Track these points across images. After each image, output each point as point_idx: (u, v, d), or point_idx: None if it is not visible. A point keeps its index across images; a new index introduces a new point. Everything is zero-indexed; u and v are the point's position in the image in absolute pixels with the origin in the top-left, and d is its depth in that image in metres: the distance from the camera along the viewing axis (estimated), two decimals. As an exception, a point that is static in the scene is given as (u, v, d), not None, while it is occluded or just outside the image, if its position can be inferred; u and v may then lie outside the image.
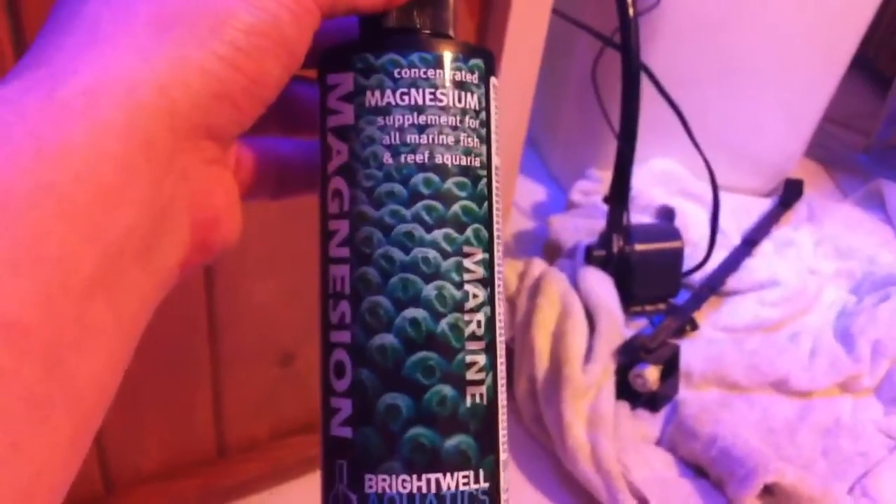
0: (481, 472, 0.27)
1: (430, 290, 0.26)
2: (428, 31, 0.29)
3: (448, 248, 0.27)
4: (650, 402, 0.97)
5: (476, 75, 0.28)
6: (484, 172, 0.28)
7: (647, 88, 1.00)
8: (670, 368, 0.97)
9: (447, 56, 0.27)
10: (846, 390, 1.06)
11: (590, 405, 0.92)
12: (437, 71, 0.27)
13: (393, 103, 0.27)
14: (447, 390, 0.26)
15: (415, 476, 0.26)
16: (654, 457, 0.94)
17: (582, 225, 1.17)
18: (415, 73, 0.27)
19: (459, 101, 0.27)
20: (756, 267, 1.21)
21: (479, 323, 0.27)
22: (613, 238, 1.07)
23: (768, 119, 1.35)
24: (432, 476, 0.26)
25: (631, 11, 0.96)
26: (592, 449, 0.89)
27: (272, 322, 0.79)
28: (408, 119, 0.27)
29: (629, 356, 0.96)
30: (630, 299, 1.07)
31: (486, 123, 0.28)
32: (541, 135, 1.44)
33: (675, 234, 1.12)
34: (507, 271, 1.05)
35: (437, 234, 0.27)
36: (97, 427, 0.23)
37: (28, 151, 0.21)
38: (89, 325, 0.21)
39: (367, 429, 0.26)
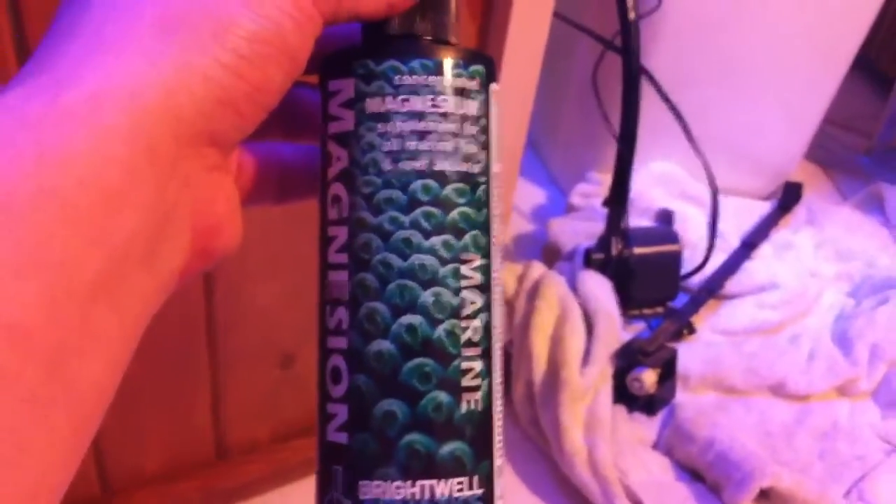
0: (476, 479, 0.27)
1: (427, 297, 0.26)
2: (429, 38, 0.29)
3: (446, 255, 0.27)
4: (647, 405, 0.97)
5: (476, 82, 0.28)
6: (483, 179, 0.28)
7: (647, 91, 1.00)
8: (668, 372, 0.97)
9: (448, 62, 0.27)
10: (843, 394, 1.06)
11: (587, 408, 0.92)
12: (438, 77, 0.27)
13: (393, 110, 0.27)
14: (443, 397, 0.26)
15: (409, 482, 0.26)
16: (650, 460, 0.94)
17: (581, 228, 1.17)
18: (415, 79, 0.27)
19: (460, 107, 0.27)
20: (755, 270, 1.21)
21: (475, 329, 0.27)
22: (612, 241, 1.07)
23: (768, 121, 1.35)
24: (427, 482, 0.26)
25: (632, 15, 0.96)
26: (589, 452, 0.90)
27: (273, 324, 0.79)
28: (408, 126, 0.27)
29: (627, 360, 0.96)
30: (628, 302, 1.07)
31: (486, 130, 0.28)
32: (541, 137, 1.44)
33: (674, 238, 1.12)
34: (506, 274, 1.05)
35: (436, 241, 0.27)
36: (95, 429, 0.23)
37: (31, 156, 0.21)
38: (92, 329, 0.22)
39: (363, 435, 0.26)
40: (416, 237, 0.27)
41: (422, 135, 0.27)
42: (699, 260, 1.13)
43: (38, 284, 0.20)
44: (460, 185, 0.27)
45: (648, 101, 1.01)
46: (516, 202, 1.33)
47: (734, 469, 0.88)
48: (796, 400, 1.03)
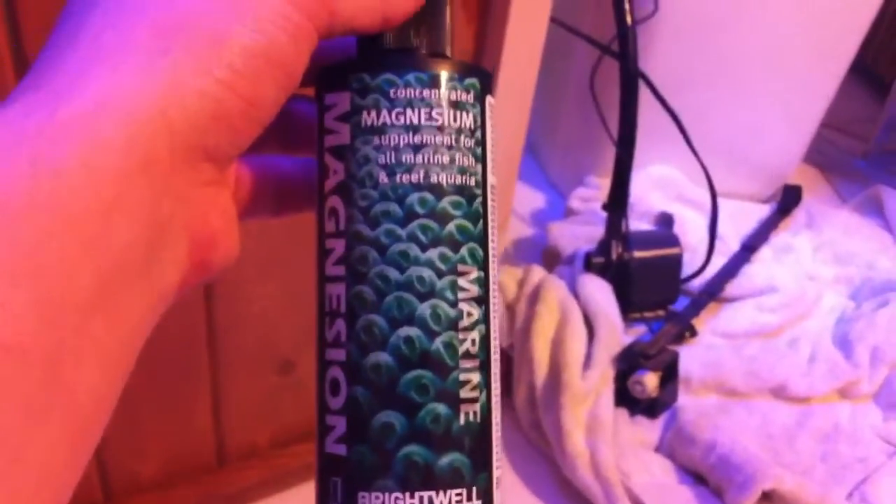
0: (475, 490, 0.27)
1: (424, 309, 0.27)
2: (424, 51, 0.29)
3: (443, 267, 0.27)
4: (649, 408, 0.97)
5: (472, 94, 0.28)
6: (479, 191, 0.28)
7: (645, 95, 1.00)
8: (669, 375, 0.97)
9: (443, 76, 0.27)
10: (845, 396, 1.06)
11: (589, 412, 0.93)
12: (433, 90, 0.27)
13: (388, 123, 0.27)
14: (441, 408, 0.27)
15: (408, 494, 0.26)
16: (653, 463, 0.94)
17: (581, 232, 1.17)
18: (410, 92, 0.27)
19: (455, 120, 0.27)
20: (755, 273, 1.21)
21: (473, 341, 0.27)
22: (612, 245, 1.07)
23: (767, 125, 1.35)
24: (426, 494, 0.26)
25: (629, 19, 0.96)
26: (591, 455, 0.90)
27: (272, 329, 0.79)
28: (403, 139, 0.27)
29: (628, 362, 0.96)
30: (629, 306, 1.07)
31: (482, 142, 0.28)
32: (539, 141, 1.44)
33: (674, 241, 1.12)
34: (507, 278, 1.05)
35: (432, 254, 0.27)
36: (97, 440, 0.23)
37: (26, 169, 0.21)
38: (87, 338, 0.22)
39: (362, 446, 0.27)
40: (413, 250, 0.27)
41: (417, 148, 0.27)
42: (699, 263, 1.13)
43: (31, 293, 0.20)
44: (456, 197, 0.27)
45: (646, 105, 1.01)
46: (515, 206, 1.33)
47: (736, 472, 0.88)
48: (797, 402, 1.03)
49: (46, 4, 0.49)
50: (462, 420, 0.27)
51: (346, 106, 0.28)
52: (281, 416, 0.87)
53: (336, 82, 0.28)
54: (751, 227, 1.32)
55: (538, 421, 0.96)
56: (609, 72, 1.03)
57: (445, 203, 0.27)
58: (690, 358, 1.03)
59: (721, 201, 1.09)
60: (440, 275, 0.27)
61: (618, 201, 1.05)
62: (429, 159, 0.27)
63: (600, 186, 1.25)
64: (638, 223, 1.21)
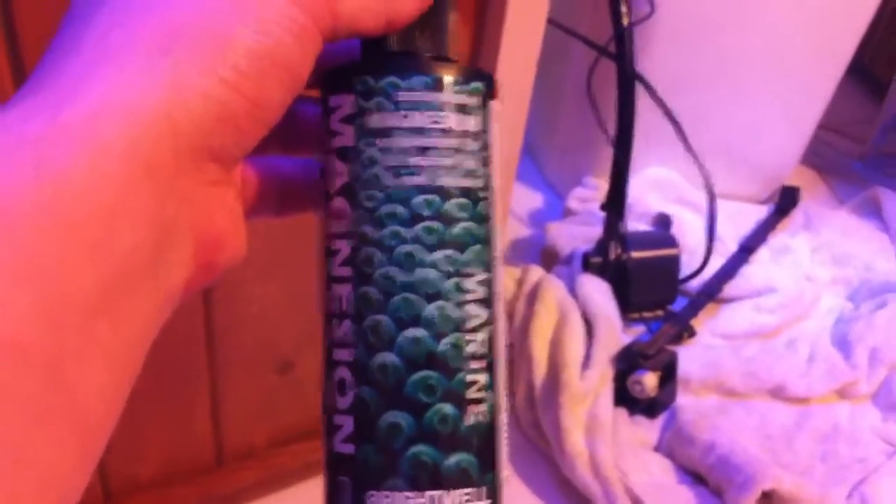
0: (483, 490, 0.27)
1: (431, 310, 0.27)
2: (429, 54, 0.29)
3: (449, 269, 0.27)
4: (648, 408, 0.97)
5: (476, 98, 0.28)
6: (484, 194, 0.28)
7: (642, 97, 1.01)
8: (668, 375, 0.97)
9: (447, 79, 0.28)
10: (844, 397, 1.06)
11: (588, 411, 0.93)
12: (437, 94, 0.27)
13: (394, 125, 0.27)
14: (448, 409, 0.27)
15: (416, 493, 0.26)
16: (652, 463, 0.94)
17: (579, 232, 1.17)
18: (415, 95, 0.27)
19: (460, 123, 0.28)
20: (753, 274, 1.21)
21: (479, 342, 0.27)
22: (610, 245, 1.07)
23: (764, 126, 1.35)
24: (434, 493, 0.26)
25: (625, 21, 0.96)
26: (590, 455, 0.90)
27: (271, 330, 0.79)
28: (409, 141, 0.27)
29: (627, 362, 0.97)
30: (627, 306, 1.07)
31: (487, 146, 0.28)
32: (537, 142, 1.44)
33: (672, 242, 1.12)
34: (505, 278, 1.05)
35: (438, 255, 0.27)
36: (105, 442, 0.23)
37: (29, 174, 0.21)
38: (92, 341, 0.22)
39: (369, 446, 0.27)
40: (419, 252, 0.27)
41: (423, 150, 0.27)
42: (697, 264, 1.13)
43: (34, 296, 0.20)
44: (462, 200, 0.27)
45: (644, 106, 1.01)
46: (513, 207, 1.33)
47: (736, 472, 0.88)
48: (796, 403, 1.03)
49: (44, 11, 0.50)
50: (469, 420, 0.27)
51: (350, 108, 0.28)
52: (279, 416, 0.87)
53: (340, 84, 0.28)
54: (749, 228, 1.33)
55: (537, 420, 0.96)
56: (606, 73, 1.03)
57: (451, 205, 0.27)
58: (689, 358, 1.03)
59: (719, 202, 1.10)
60: (446, 276, 0.27)
61: (616, 202, 1.05)
62: (434, 162, 0.27)
63: (598, 187, 1.26)
64: (636, 224, 1.21)
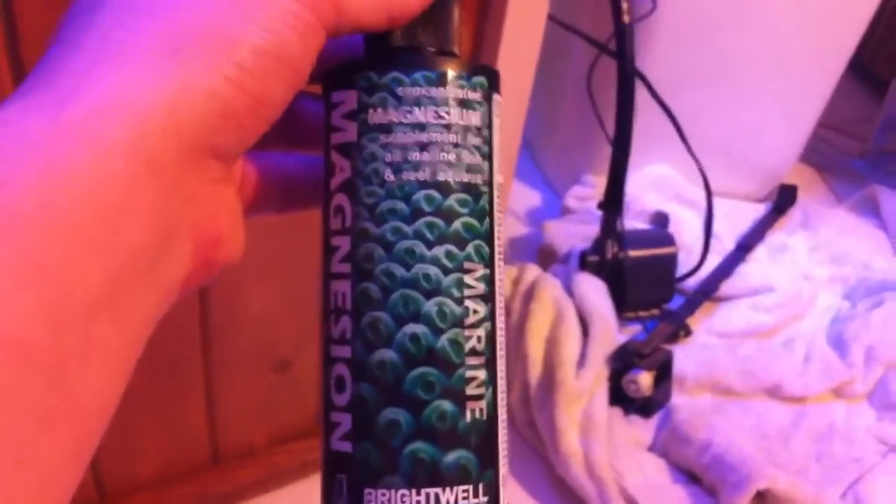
0: (481, 487, 0.27)
1: (430, 306, 0.27)
2: (432, 49, 0.29)
3: (449, 265, 0.27)
4: (643, 407, 0.97)
5: (479, 93, 0.28)
6: (486, 189, 0.28)
7: (641, 94, 1.01)
8: (664, 374, 0.97)
9: (450, 74, 0.27)
10: (839, 396, 1.06)
11: (583, 411, 0.93)
12: (440, 89, 0.27)
13: (395, 121, 0.27)
14: (447, 405, 0.27)
15: (414, 491, 0.26)
16: (647, 462, 0.94)
17: (576, 230, 1.17)
18: (417, 91, 0.27)
19: (462, 118, 0.27)
20: (750, 272, 1.21)
21: (479, 338, 0.27)
22: (608, 244, 1.07)
23: (763, 124, 1.35)
24: (432, 491, 0.26)
25: (626, 18, 0.96)
26: (585, 455, 0.90)
27: (268, 328, 0.79)
28: (410, 137, 0.27)
29: (622, 362, 0.96)
30: (624, 305, 1.07)
31: (489, 141, 0.28)
32: (536, 140, 1.44)
33: (669, 240, 1.12)
34: (503, 278, 1.05)
35: (439, 251, 0.27)
36: (98, 441, 0.23)
37: (33, 172, 0.21)
38: (94, 341, 0.22)
39: (367, 443, 0.27)
40: (419, 247, 0.27)
41: (424, 146, 0.27)
42: (694, 262, 1.13)
43: (38, 297, 0.20)
44: (463, 195, 0.27)
45: (643, 104, 1.01)
46: (511, 205, 1.33)
47: (730, 471, 0.88)
48: (792, 402, 1.03)
49: (45, 10, 0.49)
50: (468, 417, 0.27)
51: (353, 104, 0.28)
52: (276, 414, 0.87)
53: (343, 80, 0.28)
54: (746, 227, 1.33)
55: (532, 420, 0.96)
56: (606, 70, 1.03)
57: (452, 201, 0.27)
58: (685, 357, 1.03)
59: (716, 200, 1.10)
60: (446, 272, 0.27)
61: (613, 200, 1.05)
62: (436, 157, 0.27)
63: (596, 185, 1.26)
64: (633, 222, 1.21)
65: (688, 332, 1.11)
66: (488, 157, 0.28)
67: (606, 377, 0.96)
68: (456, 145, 0.27)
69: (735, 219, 1.33)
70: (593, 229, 1.10)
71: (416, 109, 0.27)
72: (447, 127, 0.27)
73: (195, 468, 0.84)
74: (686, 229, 1.23)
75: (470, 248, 0.27)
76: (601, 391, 0.94)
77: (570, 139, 1.35)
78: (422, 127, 0.27)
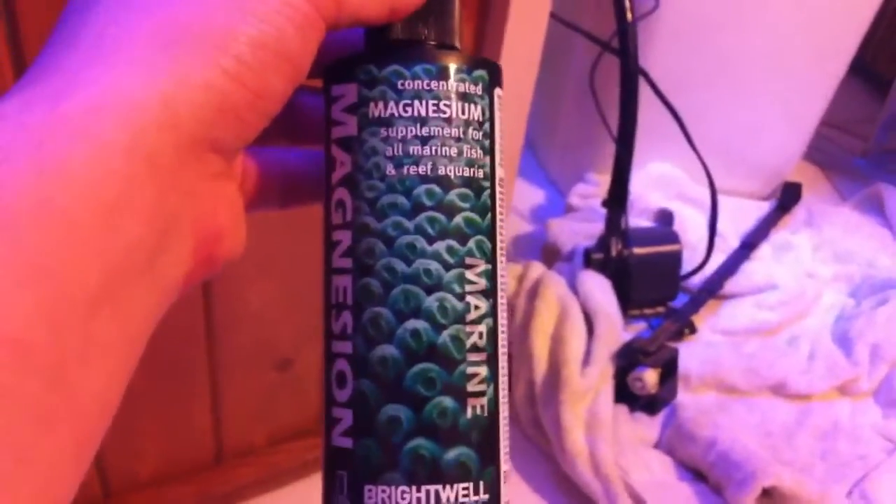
0: (481, 484, 0.27)
1: (431, 302, 0.26)
2: (432, 43, 0.29)
3: (450, 260, 0.27)
4: (649, 405, 0.97)
5: (480, 87, 0.28)
6: (487, 184, 0.28)
7: (645, 92, 1.00)
8: (669, 372, 0.97)
9: (451, 67, 0.27)
10: (844, 394, 1.06)
11: (588, 409, 0.92)
12: (441, 82, 0.27)
13: (396, 115, 0.27)
14: (448, 402, 0.26)
15: (414, 487, 0.26)
16: (652, 460, 0.94)
17: (580, 228, 1.17)
18: (418, 84, 0.27)
19: (463, 112, 0.27)
20: (754, 270, 1.21)
21: (480, 334, 0.27)
22: (612, 241, 1.07)
23: (767, 123, 1.35)
24: (432, 488, 0.26)
25: (629, 16, 0.96)
26: (591, 452, 0.90)
27: (270, 327, 0.79)
28: (411, 130, 0.27)
29: (628, 359, 0.96)
30: (628, 303, 1.07)
31: (490, 135, 0.28)
32: (539, 138, 1.44)
33: (674, 238, 1.12)
34: (506, 275, 1.05)
35: (440, 246, 0.27)
36: (99, 440, 0.23)
37: (30, 169, 0.21)
38: (94, 340, 0.21)
39: (368, 440, 0.26)
40: (420, 242, 0.26)
41: (425, 140, 0.27)
42: (699, 260, 1.13)
43: (38, 296, 0.20)
44: (464, 189, 0.27)
45: (646, 102, 1.01)
46: (515, 203, 1.33)
47: (736, 469, 0.88)
48: (797, 400, 1.03)
49: (45, 6, 0.49)
50: (469, 414, 0.27)
51: (353, 97, 0.27)
52: (278, 413, 0.87)
53: (343, 74, 0.28)
54: (750, 225, 1.33)
55: (537, 418, 0.96)
56: (609, 68, 1.03)
57: (453, 195, 0.27)
58: (690, 355, 1.03)
59: (721, 199, 1.09)
60: (447, 267, 0.27)
61: (617, 198, 1.05)
62: (436, 151, 0.27)
63: (600, 183, 1.25)
64: (638, 220, 1.21)
65: (692, 330, 1.11)
66: (490, 151, 0.28)
67: (612, 375, 0.96)
68: (457, 139, 0.27)
69: (739, 217, 1.33)
70: (597, 227, 1.10)
71: (417, 103, 0.27)
72: (448, 121, 0.27)
73: (197, 467, 0.84)
74: (690, 227, 1.22)
75: (471, 244, 0.27)
76: (606, 389, 0.94)
77: (573, 137, 1.35)
78: (422, 121, 0.27)
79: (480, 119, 0.28)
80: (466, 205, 0.27)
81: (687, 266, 1.13)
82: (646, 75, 1.01)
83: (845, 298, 1.22)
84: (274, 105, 0.25)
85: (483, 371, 0.27)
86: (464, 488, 0.26)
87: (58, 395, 0.20)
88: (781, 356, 1.07)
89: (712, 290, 1.16)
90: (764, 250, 1.28)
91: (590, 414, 0.92)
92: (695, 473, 0.94)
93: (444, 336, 0.26)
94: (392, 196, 0.27)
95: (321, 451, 0.28)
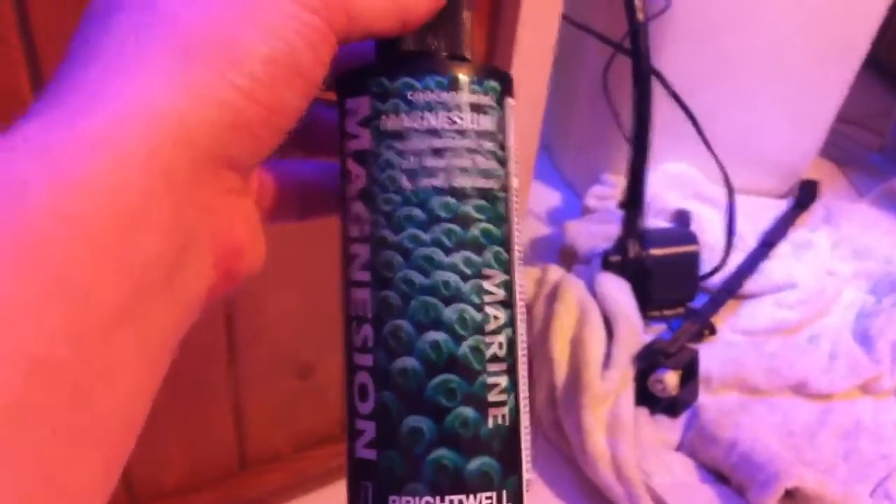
0: (504, 494, 0.27)
1: (450, 313, 0.26)
2: (444, 54, 0.29)
3: (467, 271, 0.27)
4: (670, 407, 0.97)
5: (492, 97, 0.28)
6: (502, 194, 0.28)
7: (658, 92, 1.00)
8: (689, 373, 0.97)
9: (462, 79, 0.27)
10: (866, 392, 1.05)
11: (609, 411, 0.92)
12: (453, 94, 0.27)
13: (409, 127, 0.27)
14: (469, 412, 0.26)
15: (438, 498, 0.26)
16: (674, 462, 0.94)
17: (597, 230, 1.17)
18: (430, 96, 0.27)
19: (476, 123, 0.27)
20: (773, 269, 1.20)
21: (500, 345, 0.27)
22: (629, 243, 1.06)
23: (781, 120, 1.35)
24: (455, 498, 0.26)
25: (640, 16, 0.96)
26: (612, 455, 0.89)
27: (291, 334, 0.79)
28: (424, 143, 0.27)
29: (648, 361, 0.96)
30: (647, 304, 1.07)
31: (503, 145, 0.28)
32: (554, 140, 1.44)
33: (692, 238, 1.12)
34: (524, 278, 1.05)
35: (457, 258, 0.27)
36: (126, 456, 0.23)
37: (50, 186, 0.21)
38: (116, 357, 0.22)
39: (391, 451, 0.27)
40: (437, 254, 0.27)
41: (439, 152, 0.27)
42: (717, 260, 1.13)
43: (61, 314, 0.20)
44: (479, 201, 0.27)
45: (660, 102, 1.01)
46: (531, 206, 1.33)
47: (758, 470, 0.88)
48: (819, 399, 1.03)
49: (62, 25, 0.50)
50: (490, 423, 0.27)
51: (366, 110, 0.28)
52: (300, 420, 0.87)
53: (356, 87, 0.28)
54: (768, 223, 1.32)
55: (559, 421, 0.95)
56: (622, 69, 1.02)
57: (468, 207, 0.27)
58: (710, 356, 1.03)
59: (738, 198, 1.09)
60: (465, 279, 0.27)
61: (634, 199, 1.05)
62: (450, 163, 0.27)
63: (616, 184, 1.25)
64: (655, 221, 1.21)
65: (712, 331, 1.11)
66: (504, 161, 0.28)
67: (632, 377, 0.96)
68: (470, 150, 0.27)
69: (757, 215, 1.33)
70: (614, 229, 1.10)
71: (429, 115, 0.27)
72: (461, 132, 0.27)
73: (221, 475, 0.84)
74: (708, 227, 1.22)
75: (488, 254, 0.27)
76: (627, 391, 0.94)
77: (588, 138, 1.34)
78: (435, 133, 0.27)
79: (493, 129, 0.28)
80: (482, 216, 0.27)
81: (705, 266, 1.13)
82: (659, 75, 1.00)
83: (865, 295, 1.22)
84: (288, 120, 0.26)
85: (503, 381, 0.27)
86: (487, 498, 0.27)
87: (83, 413, 0.21)
88: (802, 355, 1.06)
89: (731, 289, 1.16)
90: (783, 249, 1.27)
91: (611, 417, 0.92)
92: (717, 475, 0.93)
93: (464, 347, 0.27)
94: (408, 209, 0.27)
95: (345, 461, 0.29)
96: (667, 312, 1.11)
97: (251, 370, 0.78)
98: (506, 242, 0.28)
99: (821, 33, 1.24)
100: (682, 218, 1.23)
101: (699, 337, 1.08)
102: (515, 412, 0.28)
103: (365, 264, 0.27)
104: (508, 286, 0.28)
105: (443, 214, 0.27)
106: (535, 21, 0.73)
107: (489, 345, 0.27)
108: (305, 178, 0.32)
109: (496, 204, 0.28)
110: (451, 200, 0.27)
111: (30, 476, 0.19)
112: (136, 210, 0.22)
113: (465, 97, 0.27)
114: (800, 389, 1.03)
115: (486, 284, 0.27)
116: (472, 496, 0.26)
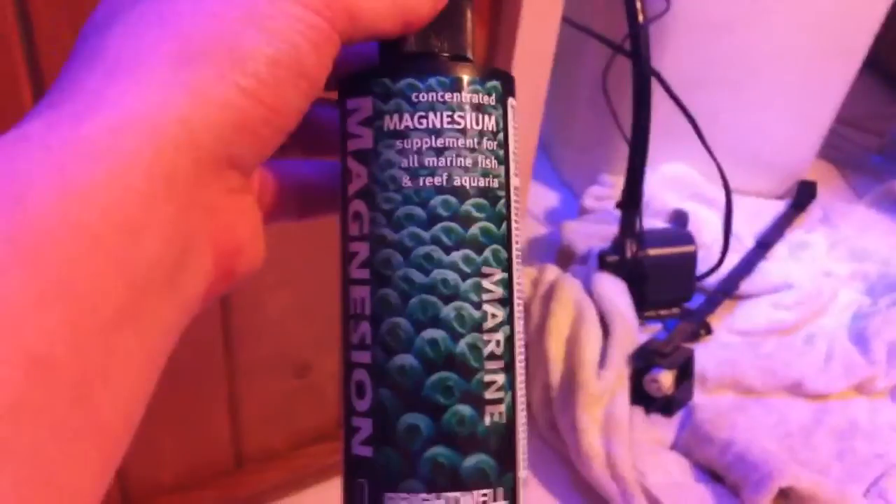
0: (500, 491, 0.27)
1: (449, 311, 0.27)
2: (446, 55, 0.29)
3: (467, 270, 0.27)
4: (665, 406, 0.97)
5: (493, 97, 0.28)
6: (502, 193, 0.28)
7: (658, 93, 1.00)
8: (685, 373, 0.97)
9: (464, 79, 0.28)
10: (862, 392, 1.06)
11: (604, 411, 0.92)
12: (455, 94, 0.27)
13: (411, 127, 0.27)
14: (466, 410, 0.27)
15: (434, 495, 0.26)
16: (669, 462, 0.94)
17: (595, 230, 1.17)
18: (432, 96, 0.27)
19: (477, 123, 0.28)
20: (770, 270, 1.21)
21: (498, 342, 0.27)
22: (626, 243, 1.06)
23: (780, 122, 1.35)
24: (451, 495, 0.26)
25: (640, 18, 0.96)
26: (607, 455, 0.90)
27: (288, 332, 0.79)
28: (426, 142, 0.27)
29: (643, 361, 0.96)
30: (644, 304, 1.07)
31: (504, 145, 0.28)
32: (552, 141, 1.44)
33: (689, 239, 1.12)
34: (522, 282, 1.05)
35: (456, 256, 0.27)
36: (122, 456, 0.23)
37: (52, 188, 0.21)
38: (116, 356, 0.22)
39: (388, 448, 0.27)
40: (437, 252, 0.27)
41: (440, 151, 0.27)
42: (714, 261, 1.13)
43: (61, 314, 0.20)
44: (479, 200, 0.27)
45: (659, 103, 1.01)
46: (529, 206, 1.33)
47: (753, 470, 0.88)
48: (814, 399, 1.03)
49: (63, 26, 0.50)
50: (487, 421, 0.27)
51: (368, 110, 0.28)
52: (297, 419, 0.87)
53: (358, 87, 0.28)
54: (766, 224, 1.32)
55: (554, 421, 0.96)
56: (621, 69, 1.03)
57: (469, 206, 0.27)
58: (706, 356, 1.03)
59: (735, 198, 1.09)
60: (464, 277, 0.27)
61: (632, 199, 1.05)
62: (451, 162, 0.27)
63: (614, 185, 1.25)
64: (652, 221, 1.21)
65: (708, 331, 1.11)
66: (504, 161, 0.28)
67: (627, 377, 0.96)
68: (471, 150, 0.27)
69: (754, 216, 1.33)
70: (612, 229, 1.10)
71: (431, 115, 0.27)
72: (462, 132, 0.27)
73: (217, 472, 0.84)
74: (705, 228, 1.22)
75: (487, 253, 0.27)
76: (622, 391, 0.94)
77: (587, 139, 1.34)
78: (437, 132, 0.27)
79: (494, 129, 0.28)
80: (482, 215, 0.27)
81: (702, 266, 1.13)
82: (658, 76, 1.01)
83: (861, 297, 1.22)
84: (291, 121, 0.26)
85: (501, 379, 0.27)
86: (483, 495, 0.27)
87: (82, 412, 0.21)
88: (798, 356, 1.06)
89: (728, 290, 1.16)
90: (780, 249, 1.27)
91: (606, 416, 0.92)
92: (712, 475, 0.94)
93: (462, 345, 0.27)
94: (408, 207, 0.27)
95: (341, 459, 0.29)
96: (663, 312, 1.12)
97: (248, 368, 0.78)
98: (505, 241, 0.28)
99: (820, 34, 1.24)
100: (679, 218, 1.23)
101: (695, 337, 1.08)
102: (512, 410, 0.28)
103: (364, 262, 0.28)
104: (507, 284, 0.28)
105: (443, 213, 0.27)
106: (535, 22, 0.74)
107: (487, 342, 0.27)
108: (305, 178, 0.32)
109: (496, 203, 0.28)
110: (452, 199, 0.27)
111: (29, 475, 0.19)
112: (138, 213, 0.22)
113: (466, 97, 0.28)
114: (795, 390, 1.03)
115: (485, 282, 0.27)
116: (468, 493, 0.26)
